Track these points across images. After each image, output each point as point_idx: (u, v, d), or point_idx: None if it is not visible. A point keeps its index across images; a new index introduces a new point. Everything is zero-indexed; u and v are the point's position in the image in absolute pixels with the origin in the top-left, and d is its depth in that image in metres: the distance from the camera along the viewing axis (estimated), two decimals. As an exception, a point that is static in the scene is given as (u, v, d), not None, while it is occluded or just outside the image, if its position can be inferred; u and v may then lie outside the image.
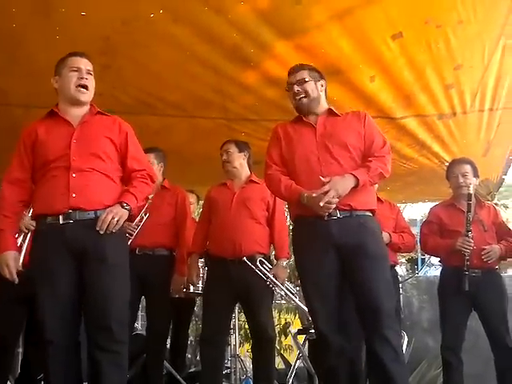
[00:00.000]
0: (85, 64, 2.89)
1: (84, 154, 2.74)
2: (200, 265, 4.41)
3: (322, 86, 3.14)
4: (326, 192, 2.76)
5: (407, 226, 4.43)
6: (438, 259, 4.38)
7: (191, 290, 4.51)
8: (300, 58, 3.77)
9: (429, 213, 4.31)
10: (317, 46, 3.68)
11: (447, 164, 4.35)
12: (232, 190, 3.96)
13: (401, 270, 9.06)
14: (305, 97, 3.06)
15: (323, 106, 3.14)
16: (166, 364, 4.68)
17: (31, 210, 3.74)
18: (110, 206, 2.70)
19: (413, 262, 10.55)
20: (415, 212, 9.97)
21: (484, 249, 3.88)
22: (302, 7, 3.37)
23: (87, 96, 2.87)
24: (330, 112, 3.11)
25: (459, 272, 3.79)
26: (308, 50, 3.68)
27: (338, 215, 2.83)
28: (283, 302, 6.77)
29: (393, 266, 4.11)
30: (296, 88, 3.06)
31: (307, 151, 2.99)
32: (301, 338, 5.01)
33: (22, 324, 3.83)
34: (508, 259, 4.17)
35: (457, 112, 4.34)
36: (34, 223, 3.68)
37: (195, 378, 4.92)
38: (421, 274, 9.45)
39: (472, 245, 3.79)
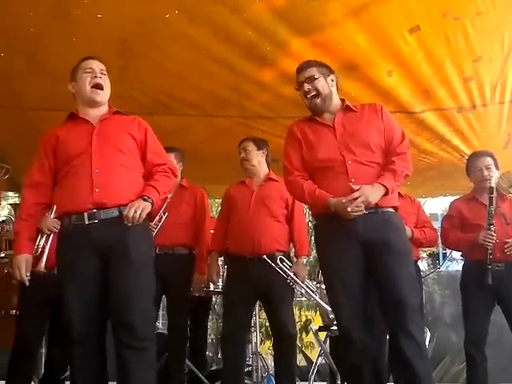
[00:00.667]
0: (97, 65, 2.91)
1: (105, 148, 2.77)
2: (219, 263, 4.43)
3: (333, 80, 3.05)
4: (355, 199, 2.72)
5: (428, 220, 4.38)
6: (460, 253, 4.33)
7: (211, 289, 4.52)
8: (316, 54, 3.75)
9: (449, 207, 4.26)
10: (333, 43, 3.66)
11: (467, 157, 4.30)
12: (251, 188, 3.96)
13: (422, 265, 9.00)
14: (316, 96, 2.98)
15: (336, 101, 3.06)
16: (188, 362, 4.70)
17: (54, 211, 3.80)
18: (132, 200, 2.70)
19: (434, 257, 10.49)
20: (436, 206, 9.89)
21: (507, 242, 3.83)
22: (317, 3, 3.36)
23: (103, 96, 2.89)
24: (345, 108, 3.03)
25: (482, 266, 3.75)
26: (324, 46, 3.67)
27: (364, 211, 2.78)
28: (304, 299, 6.77)
29: (415, 261, 4.07)
30: (306, 86, 2.98)
31: (330, 154, 2.91)
32: (322, 335, 5.00)
33: (46, 325, 3.87)
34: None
35: (476, 105, 4.29)
36: (57, 225, 3.74)
37: (217, 375, 4.94)
38: (442, 268, 9.40)
39: (494, 238, 3.75)
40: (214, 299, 6.85)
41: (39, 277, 3.65)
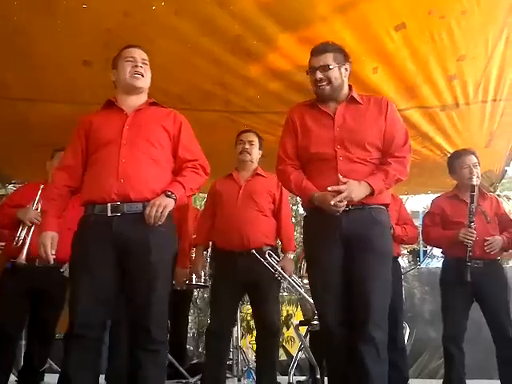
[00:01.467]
0: (139, 54, 2.87)
1: (135, 139, 2.72)
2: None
3: (347, 69, 2.91)
4: (339, 192, 2.69)
5: (410, 217, 4.42)
6: (440, 250, 4.38)
7: (193, 282, 4.52)
8: (303, 50, 3.75)
9: (431, 204, 4.30)
10: (320, 38, 3.61)
11: (450, 155, 4.34)
12: (238, 182, 3.96)
13: (403, 262, 9.09)
14: (327, 84, 2.85)
15: (345, 91, 2.93)
16: (168, 355, 4.69)
17: (36, 202, 3.77)
18: (158, 194, 2.66)
19: (415, 254, 10.59)
20: (417, 204, 9.97)
21: (487, 240, 3.88)
22: (305, -1, 3.37)
23: (142, 82, 2.86)
24: (350, 99, 2.91)
25: (461, 263, 3.79)
26: (311, 42, 3.62)
27: (350, 207, 2.75)
28: (285, 293, 6.79)
29: (395, 258, 4.11)
30: (319, 75, 2.84)
31: (324, 146, 2.83)
32: (303, 330, 5.03)
33: (26, 317, 3.86)
34: (510, 250, 4.17)
35: (460, 103, 4.33)
36: (38, 217, 3.72)
37: (197, 369, 4.93)
38: (423, 265, 9.49)
39: (475, 236, 3.79)
40: (195, 293, 6.86)
41: (20, 268, 3.66)
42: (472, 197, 3.81)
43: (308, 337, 4.78)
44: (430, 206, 4.40)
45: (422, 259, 10.30)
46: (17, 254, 3.67)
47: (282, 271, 3.83)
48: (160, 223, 2.62)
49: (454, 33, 3.66)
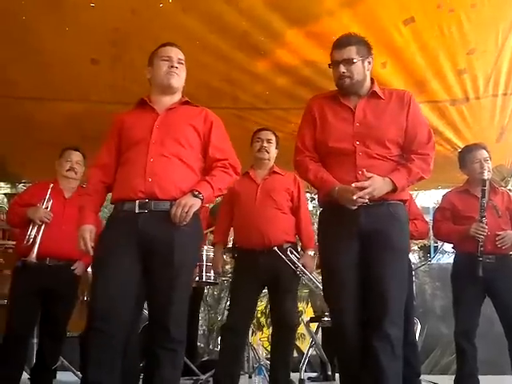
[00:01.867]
0: (176, 53, 2.85)
1: (164, 139, 2.71)
2: (211, 255, 4.44)
3: (370, 63, 2.80)
4: (362, 188, 2.62)
5: (420, 213, 4.38)
6: (451, 246, 4.35)
7: (203, 279, 4.53)
8: (311, 45, 3.76)
9: (442, 199, 4.27)
10: (328, 33, 3.63)
11: (459, 150, 4.31)
12: (255, 180, 3.95)
13: (413, 258, 9.06)
14: (349, 79, 2.76)
15: (367, 84, 2.83)
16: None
17: (46, 200, 3.79)
18: (185, 193, 2.64)
19: (425, 250, 10.53)
20: (427, 199, 9.93)
21: (498, 234, 3.85)
22: (312, -6, 3.35)
23: (177, 81, 2.84)
24: (372, 94, 2.82)
25: (473, 258, 3.76)
26: (319, 37, 3.66)
27: (369, 203, 2.67)
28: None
29: (406, 254, 4.10)
30: (342, 69, 2.74)
31: (343, 140, 2.76)
32: (313, 326, 5.03)
33: (37, 314, 3.87)
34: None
35: (470, 97, 4.30)
36: (48, 215, 3.74)
37: (208, 366, 4.95)
38: (433, 261, 9.44)
39: (486, 231, 3.76)
40: (205, 290, 6.87)
41: (31, 266, 3.67)
42: (483, 191, 3.78)
43: (319, 333, 4.77)
44: (440, 201, 4.37)
45: (432, 255, 10.26)
46: (27, 253, 3.69)
47: (303, 268, 3.83)
48: (185, 223, 2.61)
49: (463, 26, 3.64)
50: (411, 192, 4.82)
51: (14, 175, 5.88)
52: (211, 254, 4.45)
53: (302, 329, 6.97)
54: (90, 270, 4.16)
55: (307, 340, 6.23)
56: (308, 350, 4.97)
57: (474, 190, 3.96)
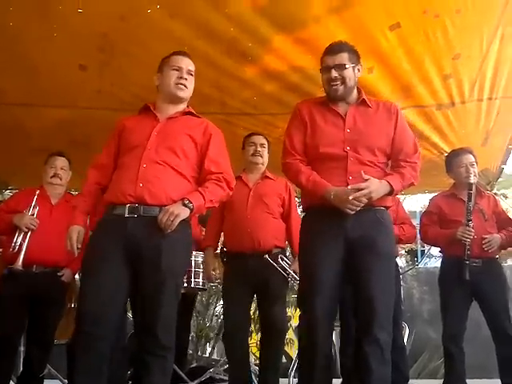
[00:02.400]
0: (186, 64, 2.87)
1: (160, 146, 2.73)
2: (200, 260, 4.42)
3: (359, 70, 2.88)
4: (359, 189, 2.64)
5: (408, 217, 4.41)
6: (439, 250, 4.38)
7: (192, 285, 4.51)
8: (298, 51, 3.79)
9: (429, 203, 4.30)
10: (315, 40, 3.67)
11: (446, 154, 4.35)
12: (248, 184, 3.95)
13: (401, 262, 9.09)
14: (341, 84, 2.80)
15: (355, 93, 2.90)
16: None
17: (32, 207, 3.76)
18: (175, 202, 2.65)
19: (412, 254, 10.56)
20: (414, 204, 9.97)
21: (484, 238, 3.88)
22: (300, 0, 3.37)
23: (185, 93, 2.86)
24: (361, 102, 2.88)
25: (460, 262, 3.78)
26: (306, 43, 3.68)
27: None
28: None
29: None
30: (334, 74, 2.78)
31: (334, 146, 2.78)
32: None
33: (24, 323, 3.83)
34: (508, 249, 4.17)
35: (455, 102, 4.33)
36: (34, 222, 3.71)
37: (197, 373, 4.94)
38: (421, 265, 9.48)
39: (472, 234, 3.79)
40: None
41: (17, 274, 3.63)
42: (470, 195, 3.81)
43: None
44: (427, 205, 4.39)
45: (419, 259, 10.30)
46: (14, 260, 3.66)
47: (294, 274, 3.83)
48: (169, 231, 2.62)
49: (448, 32, 3.68)
50: (398, 196, 4.85)
51: (1, 182, 5.85)
52: (199, 260, 4.43)
53: (290, 334, 6.98)
54: (77, 277, 4.16)
55: (296, 345, 6.23)
56: (297, 355, 4.96)
57: (460, 194, 3.99)
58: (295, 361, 4.88)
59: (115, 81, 4.04)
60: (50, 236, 3.74)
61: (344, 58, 2.81)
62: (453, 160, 4.09)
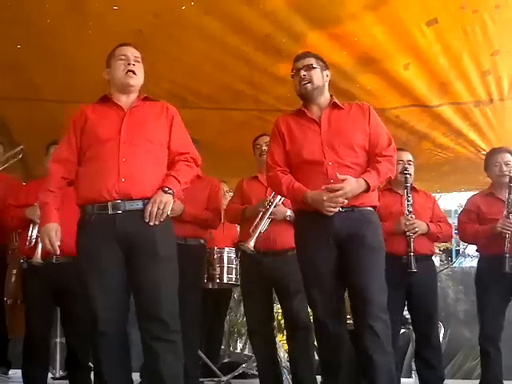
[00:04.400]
0: (132, 52, 2.89)
1: (134, 138, 2.74)
2: (233, 256, 4.44)
3: (327, 76, 3.06)
4: (336, 190, 2.76)
5: (443, 215, 4.33)
6: (475, 248, 4.30)
7: (225, 281, 4.53)
8: (333, 47, 3.75)
9: (467, 202, 4.23)
10: (350, 35, 3.64)
11: (484, 153, 4.27)
12: (264, 184, 3.94)
13: (436, 261, 8.97)
14: (309, 83, 2.97)
15: (326, 97, 3.06)
16: (201, 354, 4.71)
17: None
18: (156, 191, 2.68)
19: (447, 253, 10.44)
20: (450, 203, 9.84)
21: None
22: (335, -4, 3.34)
23: (136, 80, 2.87)
24: (333, 105, 3.03)
25: (499, 258, 3.71)
26: (341, 39, 3.65)
27: (341, 210, 2.81)
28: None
29: (430, 257, 4.05)
30: (302, 73, 2.97)
31: (312, 150, 2.92)
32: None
33: (52, 314, 3.86)
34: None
35: (494, 99, 4.25)
36: None
37: (229, 368, 4.96)
38: (455, 264, 9.36)
39: None
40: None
41: (37, 267, 3.65)
42: (510, 188, 3.77)
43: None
44: (464, 203, 4.32)
45: (454, 258, 10.17)
46: (31, 254, 3.66)
47: None
48: (162, 220, 2.66)
49: (487, 27, 3.60)
50: (434, 194, 4.78)
51: (37, 177, 5.94)
52: (232, 256, 4.46)
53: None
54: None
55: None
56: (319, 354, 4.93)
57: (498, 194, 3.93)
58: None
59: (149, 77, 4.03)
60: (64, 224, 3.74)
61: (311, 60, 3.01)
62: (489, 158, 4.04)
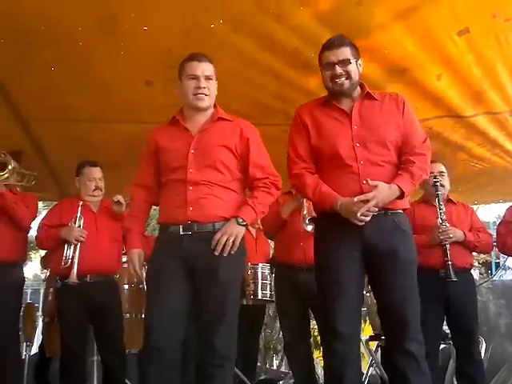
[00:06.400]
0: (203, 70, 2.80)
1: (200, 165, 2.72)
2: (267, 272, 4.42)
3: (360, 65, 2.80)
4: (367, 201, 2.55)
5: (483, 225, 4.23)
6: (516, 261, 4.20)
7: (259, 297, 4.50)
8: (362, 58, 3.71)
9: (506, 212, 4.15)
10: (380, 47, 3.60)
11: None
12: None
13: (475, 274, 8.78)
14: (346, 79, 2.72)
15: (358, 88, 2.83)
16: (238, 371, 4.69)
17: (78, 219, 3.79)
18: (227, 219, 2.67)
19: (486, 266, 10.22)
20: (487, 214, 9.64)
21: None
22: (363, 8, 3.31)
23: (206, 102, 2.81)
24: (366, 95, 2.79)
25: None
26: (371, 50, 3.61)
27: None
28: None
29: (468, 270, 3.96)
30: (339, 70, 2.71)
31: (343, 148, 2.69)
32: (372, 345, 4.91)
33: (88, 334, 3.91)
34: None
35: (530, 107, 4.16)
36: (83, 234, 3.75)
37: (266, 385, 4.93)
38: (496, 277, 9.16)
39: None
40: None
41: (72, 286, 3.69)
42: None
43: (378, 352, 4.66)
44: (503, 214, 4.22)
45: (494, 271, 9.94)
46: (66, 274, 3.72)
47: None
48: (232, 252, 2.64)
49: (520, 35, 3.53)
50: (471, 206, 4.69)
51: (70, 195, 6.04)
52: (266, 272, 4.44)
53: (360, 347, 6.85)
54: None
55: (366, 359, 6.10)
56: (368, 369, 4.85)
57: (538, 203, 3.83)
58: (366, 374, 4.78)
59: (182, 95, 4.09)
60: (99, 245, 3.80)
61: (347, 52, 2.74)
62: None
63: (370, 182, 2.58)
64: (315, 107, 2.84)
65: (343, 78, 2.72)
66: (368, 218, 2.59)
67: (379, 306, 2.76)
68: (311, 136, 2.78)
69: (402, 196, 2.66)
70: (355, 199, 2.56)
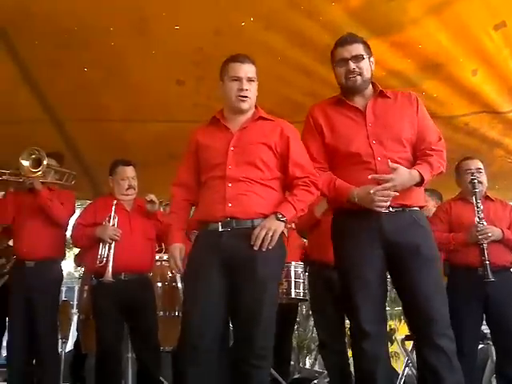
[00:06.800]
0: (245, 72, 2.77)
1: (240, 162, 2.71)
2: (300, 270, 4.39)
3: (373, 62, 2.76)
4: (384, 181, 2.52)
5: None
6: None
7: (292, 296, 4.48)
8: (395, 54, 3.69)
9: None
10: (413, 42, 3.55)
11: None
12: None
13: None
14: (358, 75, 2.69)
15: (370, 86, 2.78)
16: (272, 371, 4.67)
17: (112, 218, 3.82)
18: (266, 215, 2.66)
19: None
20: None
21: None
22: (396, 3, 3.28)
23: (248, 103, 2.79)
24: (379, 94, 2.76)
25: None
26: (404, 46, 3.58)
27: (391, 209, 2.58)
28: (387, 308, 6.61)
29: (508, 268, 3.86)
30: (352, 66, 2.67)
31: (357, 146, 2.66)
32: (408, 345, 4.85)
33: (123, 331, 3.92)
34: None
35: None
36: (117, 232, 3.79)
37: (299, 384, 4.91)
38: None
39: None
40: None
41: (107, 284, 3.72)
42: None
43: (414, 352, 4.60)
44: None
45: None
46: (101, 272, 3.74)
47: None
48: (270, 247, 2.61)
49: (559, 28, 3.44)
50: (510, 203, 4.58)
51: (104, 194, 6.12)
52: (299, 270, 4.41)
53: (395, 347, 6.77)
54: (180, 285, 4.23)
55: (401, 359, 6.03)
56: (404, 369, 4.80)
57: None
58: (402, 374, 4.73)
59: (211, 94, 4.08)
60: (133, 243, 3.81)
61: (360, 48, 2.71)
62: None
63: (390, 163, 2.55)
64: (328, 106, 2.83)
65: (356, 74, 2.70)
66: (387, 204, 2.54)
67: (404, 304, 2.71)
68: (325, 135, 2.76)
69: (421, 183, 2.62)
70: (369, 176, 2.54)
